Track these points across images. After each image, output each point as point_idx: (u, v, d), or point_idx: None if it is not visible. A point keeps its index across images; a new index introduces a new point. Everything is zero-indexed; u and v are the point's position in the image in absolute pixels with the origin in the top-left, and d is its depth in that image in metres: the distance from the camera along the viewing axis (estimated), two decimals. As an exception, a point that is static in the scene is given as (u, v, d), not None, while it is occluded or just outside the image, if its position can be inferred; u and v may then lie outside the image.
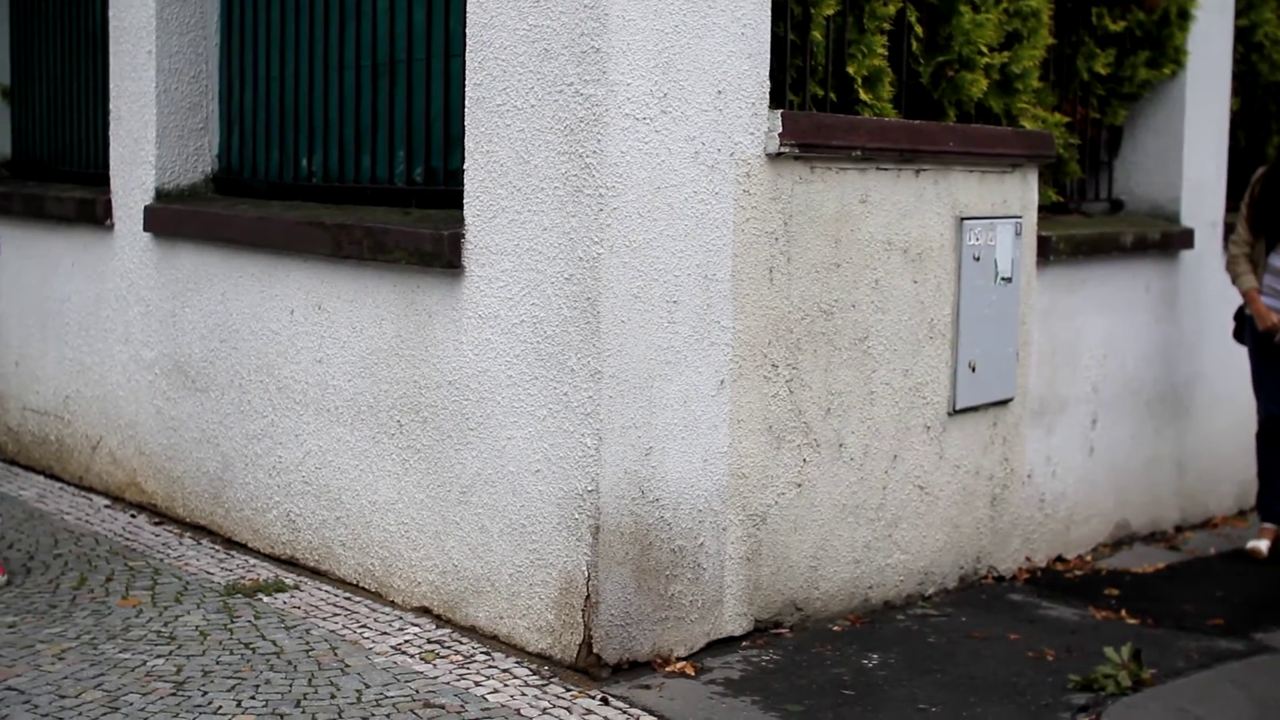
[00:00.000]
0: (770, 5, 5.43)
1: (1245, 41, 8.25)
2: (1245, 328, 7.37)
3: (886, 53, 6.05)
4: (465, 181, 5.43)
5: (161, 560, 6.38)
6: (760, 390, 5.51)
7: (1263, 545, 7.29)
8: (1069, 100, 7.34)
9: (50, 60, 8.47)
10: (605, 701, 4.93)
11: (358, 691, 4.91)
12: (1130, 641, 5.47)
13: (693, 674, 5.24)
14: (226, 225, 6.57)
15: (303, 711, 4.74)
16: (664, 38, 5.08)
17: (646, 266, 5.10)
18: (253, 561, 6.37)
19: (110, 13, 7.32)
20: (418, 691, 4.93)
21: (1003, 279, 6.39)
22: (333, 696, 4.86)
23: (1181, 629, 6.07)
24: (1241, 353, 7.48)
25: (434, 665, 5.17)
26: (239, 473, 6.60)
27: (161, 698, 4.82)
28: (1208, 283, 7.83)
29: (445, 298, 5.53)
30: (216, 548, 6.58)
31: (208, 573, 6.20)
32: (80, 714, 4.68)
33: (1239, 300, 7.40)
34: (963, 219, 6.18)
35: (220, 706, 4.76)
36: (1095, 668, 5.34)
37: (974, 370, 6.28)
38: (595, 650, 5.11)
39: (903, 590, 6.15)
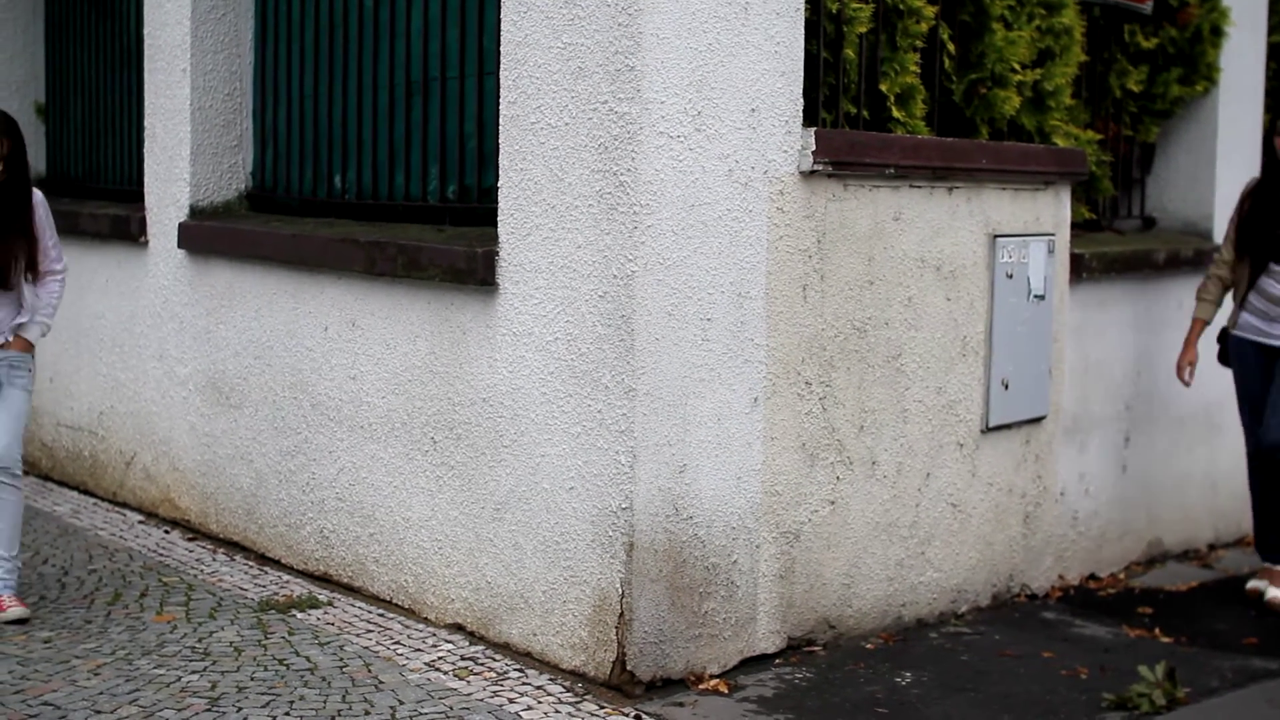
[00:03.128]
0: (803, 23, 5.44)
1: (1278, 58, 8.23)
2: (1229, 351, 6.91)
3: (919, 70, 6.05)
4: (499, 199, 5.44)
5: (195, 576, 6.40)
6: (794, 408, 5.51)
7: (1268, 589, 6.76)
8: (1101, 117, 7.33)
9: (85, 78, 8.52)
10: (638, 719, 4.93)
11: (391, 708, 4.92)
12: (1164, 660, 5.45)
13: (726, 691, 5.24)
14: (260, 242, 6.60)
15: (337, 728, 4.76)
16: (698, 56, 5.10)
17: (680, 284, 5.11)
18: (286, 578, 6.39)
19: (145, 31, 7.37)
20: (451, 709, 4.93)
21: (1035, 296, 6.38)
22: (366, 713, 4.87)
23: (1215, 648, 6.04)
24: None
25: (467, 682, 5.18)
26: (273, 489, 6.62)
27: (196, 714, 4.84)
28: (1241, 300, 7.80)
29: (479, 315, 5.54)
30: (250, 564, 6.60)
31: (241, 589, 6.22)
32: (116, 729, 4.70)
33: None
34: (995, 236, 6.18)
35: (255, 722, 4.78)
36: (1129, 686, 5.32)
37: (1007, 388, 6.27)
38: (629, 668, 5.12)
39: (936, 608, 6.14)
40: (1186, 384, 6.97)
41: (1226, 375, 7.68)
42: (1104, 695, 5.32)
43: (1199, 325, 6.93)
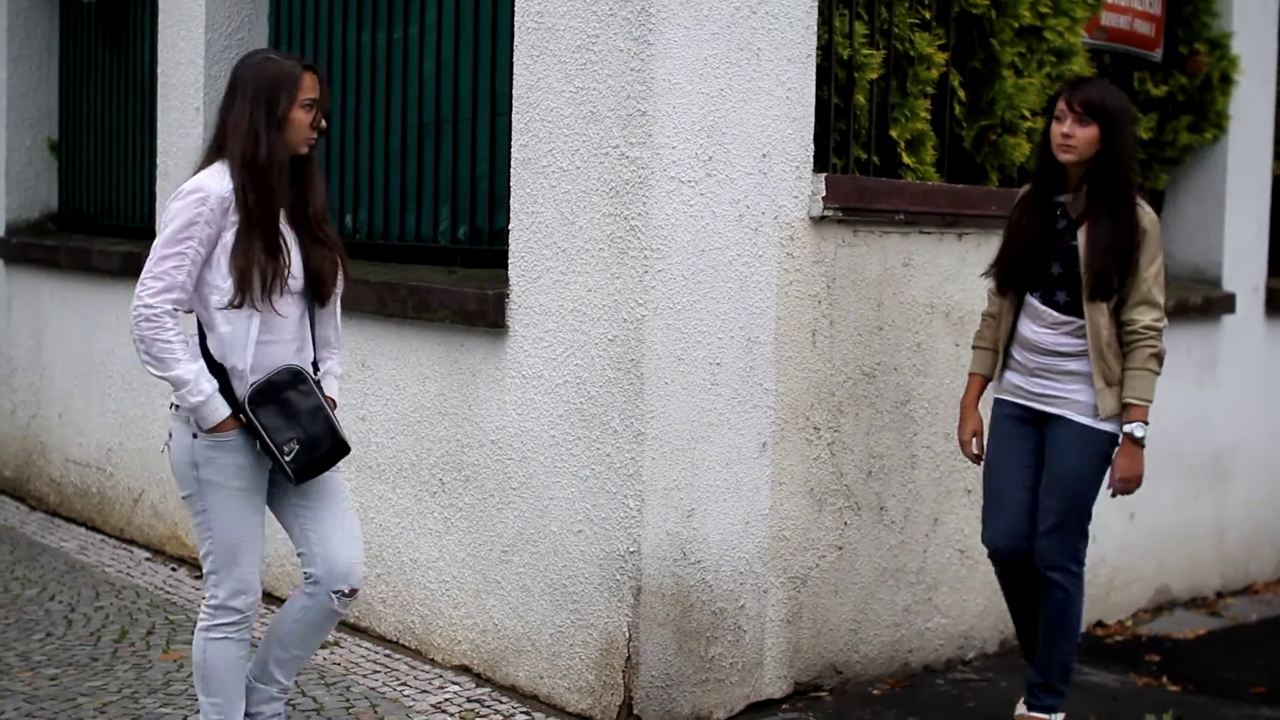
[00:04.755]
0: (815, 69, 5.46)
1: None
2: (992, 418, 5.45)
3: (929, 116, 6.07)
4: (510, 241, 5.46)
5: (202, 615, 6.39)
6: (802, 453, 5.52)
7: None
8: (1111, 164, 7.34)
9: (98, 115, 8.56)
10: (645, 764, 4.92)
11: (398, 750, 4.92)
12: (1172, 709, 5.45)
13: (732, 737, 5.23)
14: (271, 282, 6.61)
15: (343, 770, 4.75)
16: (709, 101, 5.12)
17: (690, 328, 5.12)
18: (292, 617, 6.38)
19: (159, 69, 7.40)
20: (457, 751, 4.93)
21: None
22: (373, 755, 4.87)
23: (1223, 696, 6.02)
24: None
25: (474, 725, 5.18)
26: (278, 528, 6.59)
27: (202, 754, 4.83)
28: (1250, 347, 7.80)
29: (489, 357, 5.55)
30: (256, 603, 6.60)
31: (248, 628, 6.21)
32: (122, 769, 4.70)
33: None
34: (1005, 283, 6.18)
35: (261, 764, 4.77)
36: (1137, 735, 5.31)
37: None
38: (635, 711, 5.11)
39: (943, 654, 6.13)
40: (975, 460, 5.38)
41: (1236, 421, 7.68)
42: (1111, 744, 5.32)
43: (976, 383, 5.40)
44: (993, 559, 5.37)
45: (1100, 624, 7.01)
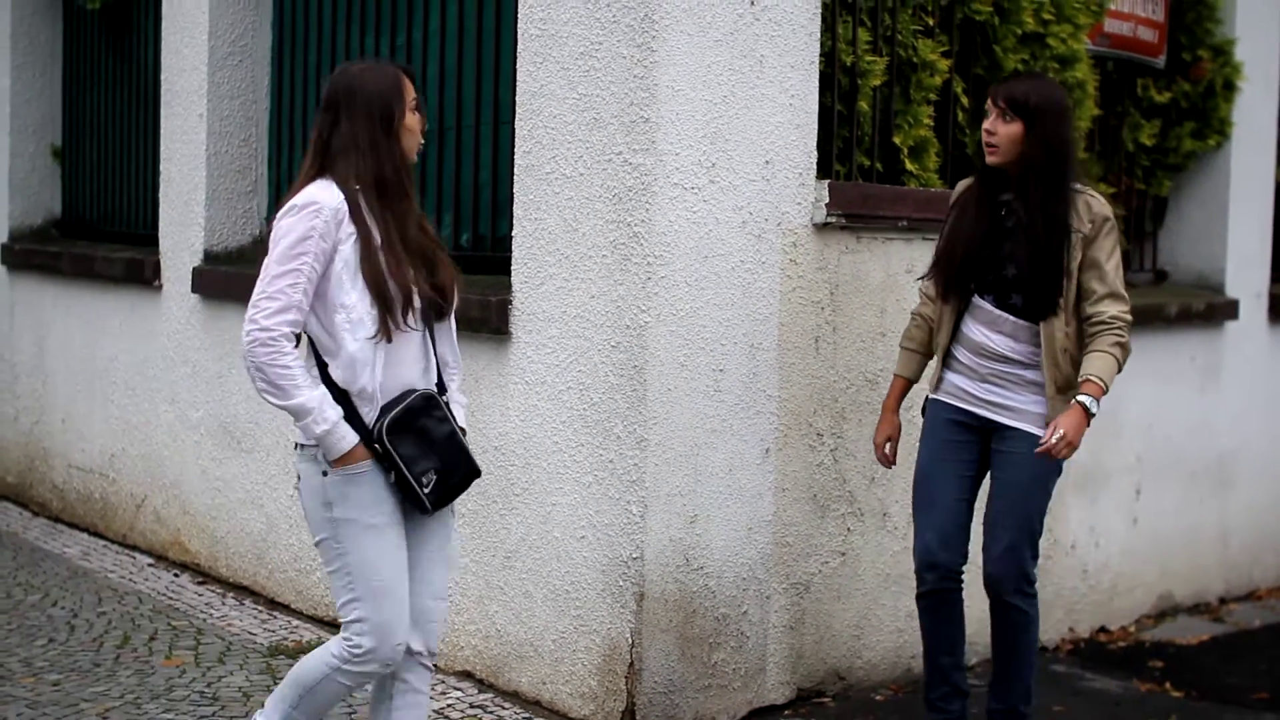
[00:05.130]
0: (818, 76, 5.47)
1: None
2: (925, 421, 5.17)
3: (933, 123, 6.07)
4: (513, 248, 5.46)
5: (205, 620, 6.40)
6: (805, 459, 5.52)
7: None
8: (1114, 171, 7.35)
9: (102, 121, 8.57)
10: (648, 770, 4.92)
11: (401, 756, 4.90)
12: (1175, 714, 5.45)
13: (735, 743, 5.23)
14: (274, 288, 6.61)
15: (346, 776, 4.75)
16: (712, 108, 5.12)
17: (693, 335, 5.12)
18: (295, 623, 6.39)
19: (162, 76, 7.41)
20: (460, 757, 4.93)
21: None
22: (376, 761, 4.86)
23: (1226, 702, 6.02)
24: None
25: (476, 731, 5.18)
26: (283, 534, 6.62)
27: (205, 760, 4.84)
28: (1253, 354, 7.80)
29: (492, 363, 5.56)
30: (259, 608, 6.60)
31: (250, 633, 6.22)
32: (125, 775, 4.70)
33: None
34: (1008, 289, 6.18)
35: (264, 770, 4.76)
36: (1140, 742, 5.31)
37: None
38: (638, 717, 5.11)
39: (945, 660, 6.12)
40: (888, 465, 5.20)
41: (1238, 426, 7.68)
42: (1114, 751, 5.31)
43: (899, 385, 5.18)
44: (921, 572, 4.99)
45: (1103, 630, 7.00)
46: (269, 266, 3.88)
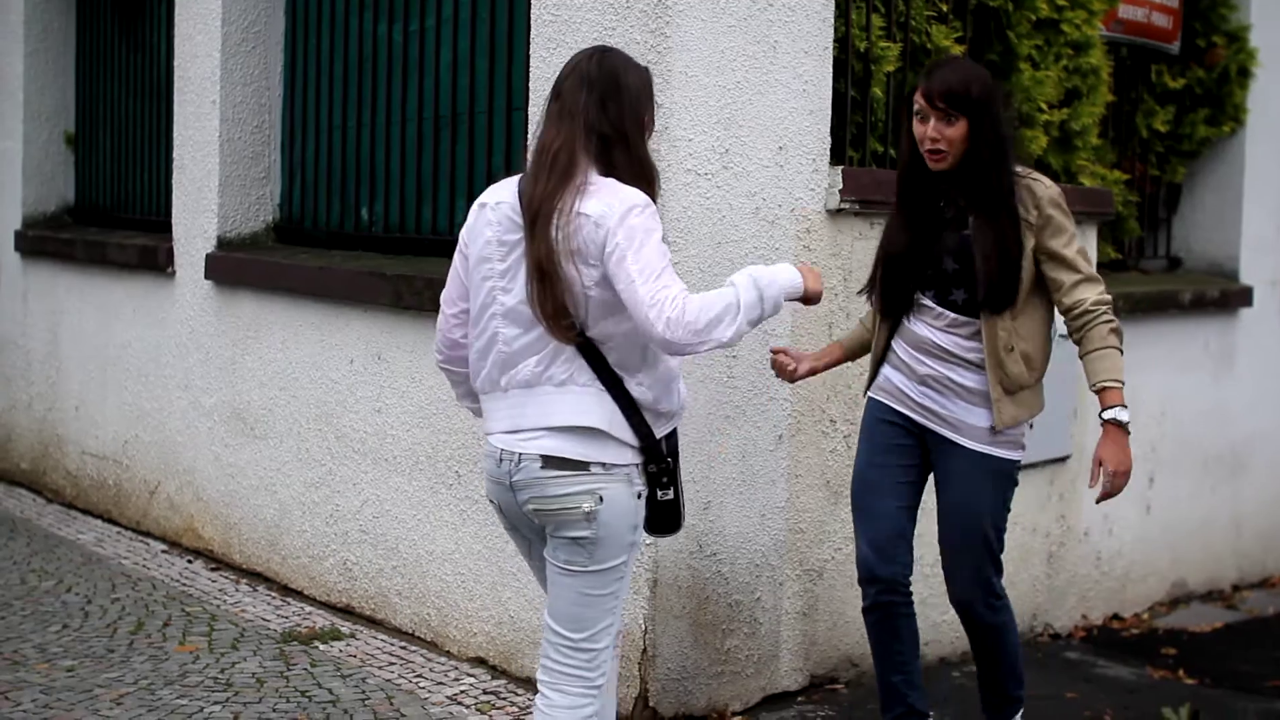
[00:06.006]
0: (832, 62, 5.46)
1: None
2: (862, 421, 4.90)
3: (946, 109, 6.05)
4: (526, 234, 5.45)
5: (218, 606, 6.41)
6: (818, 445, 5.51)
7: None
8: (1128, 157, 7.34)
9: (115, 109, 8.57)
10: (661, 756, 4.92)
11: (414, 742, 4.92)
12: (1189, 702, 5.43)
13: (748, 729, 5.23)
14: (287, 274, 6.63)
15: (359, 761, 4.75)
16: (726, 94, 5.11)
17: (706, 321, 5.10)
18: (309, 609, 6.40)
19: (175, 63, 7.41)
20: (474, 743, 4.94)
21: (1060, 336, 6.35)
22: (389, 747, 4.87)
23: (1240, 690, 6.01)
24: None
25: (490, 717, 5.18)
26: (296, 520, 6.63)
27: (219, 745, 4.85)
28: (1267, 341, 7.78)
29: (505, 349, 5.54)
30: (273, 595, 6.61)
31: (264, 620, 6.22)
32: (139, 760, 4.71)
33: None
34: (1021, 275, 6.16)
35: (278, 755, 4.78)
36: (1154, 729, 5.31)
37: (1031, 427, 6.24)
38: (651, 704, 5.11)
39: (958, 647, 6.12)
40: (783, 371, 4.84)
41: (1253, 413, 7.66)
42: (1128, 737, 5.31)
43: (834, 350, 4.98)
44: (862, 586, 4.73)
45: (1116, 617, 7.00)
46: (653, 258, 3.58)
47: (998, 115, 4.46)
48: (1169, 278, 7.59)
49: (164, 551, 7.35)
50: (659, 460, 3.79)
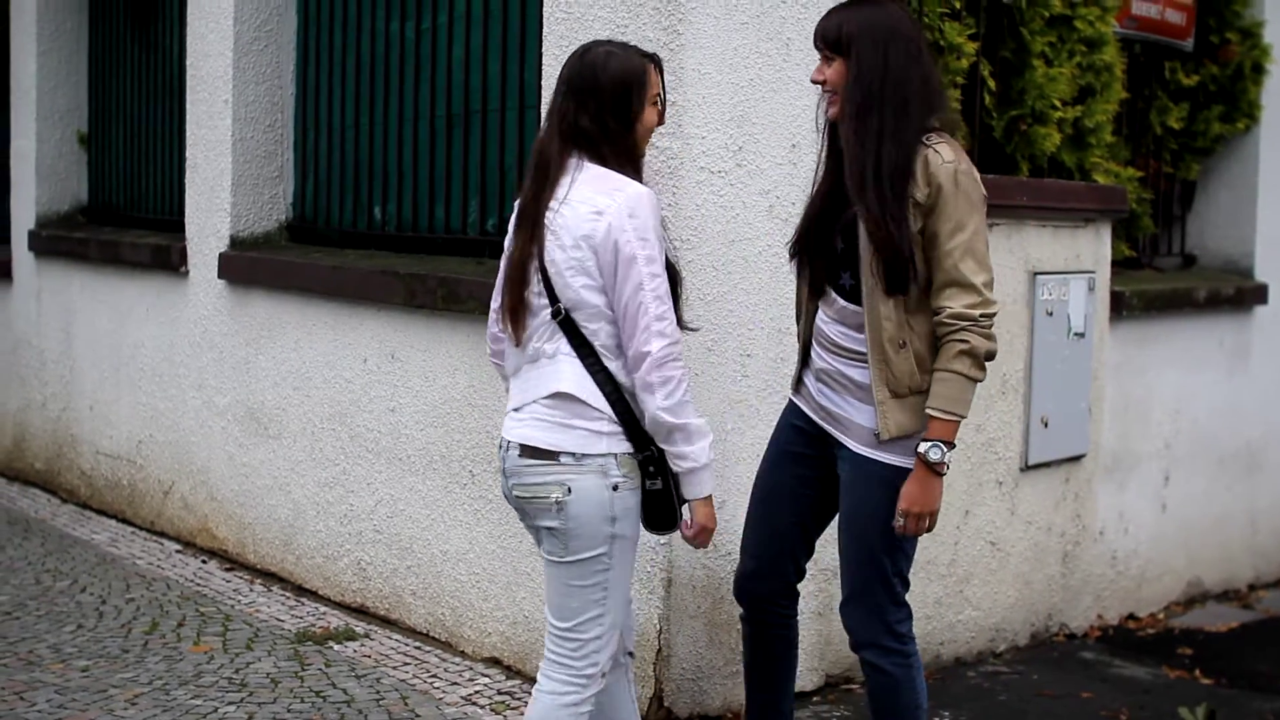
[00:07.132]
0: (845, 59, 5.43)
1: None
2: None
3: (959, 106, 6.03)
4: (540, 233, 5.44)
5: (233, 606, 6.41)
6: (832, 444, 5.49)
7: None
8: (1142, 154, 7.31)
9: (127, 107, 8.58)
10: (676, 756, 4.92)
11: (428, 742, 4.91)
12: (1205, 702, 5.41)
13: (763, 729, 5.20)
14: (300, 273, 6.62)
15: (374, 761, 4.75)
16: (739, 91, 5.10)
17: (720, 319, 5.10)
18: (323, 609, 6.39)
19: (187, 62, 7.41)
20: (488, 743, 4.93)
21: (1075, 334, 6.35)
22: (403, 747, 4.87)
23: (1256, 689, 5.99)
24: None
25: (504, 717, 5.17)
26: (310, 520, 6.63)
27: (234, 745, 4.85)
28: (1282, 338, 7.77)
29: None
30: (287, 595, 6.61)
31: (278, 620, 6.22)
32: (153, 761, 4.71)
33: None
34: (1035, 274, 6.16)
35: (292, 755, 4.78)
36: (1170, 728, 5.29)
37: (1046, 426, 6.24)
38: (666, 704, 5.10)
39: (974, 647, 6.11)
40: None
41: (1267, 411, 7.64)
42: (1144, 737, 5.29)
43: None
44: (736, 597, 4.38)
45: (1132, 616, 6.98)
46: (651, 274, 3.72)
47: (869, 55, 3.87)
48: (1184, 275, 7.57)
49: (178, 551, 7.36)
50: (642, 446, 3.81)
